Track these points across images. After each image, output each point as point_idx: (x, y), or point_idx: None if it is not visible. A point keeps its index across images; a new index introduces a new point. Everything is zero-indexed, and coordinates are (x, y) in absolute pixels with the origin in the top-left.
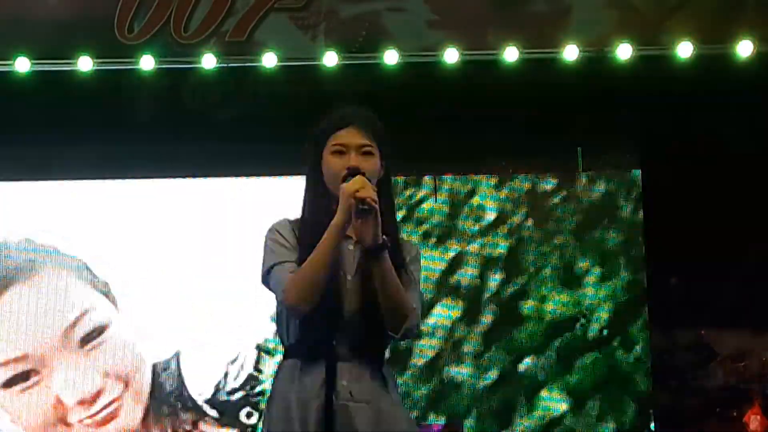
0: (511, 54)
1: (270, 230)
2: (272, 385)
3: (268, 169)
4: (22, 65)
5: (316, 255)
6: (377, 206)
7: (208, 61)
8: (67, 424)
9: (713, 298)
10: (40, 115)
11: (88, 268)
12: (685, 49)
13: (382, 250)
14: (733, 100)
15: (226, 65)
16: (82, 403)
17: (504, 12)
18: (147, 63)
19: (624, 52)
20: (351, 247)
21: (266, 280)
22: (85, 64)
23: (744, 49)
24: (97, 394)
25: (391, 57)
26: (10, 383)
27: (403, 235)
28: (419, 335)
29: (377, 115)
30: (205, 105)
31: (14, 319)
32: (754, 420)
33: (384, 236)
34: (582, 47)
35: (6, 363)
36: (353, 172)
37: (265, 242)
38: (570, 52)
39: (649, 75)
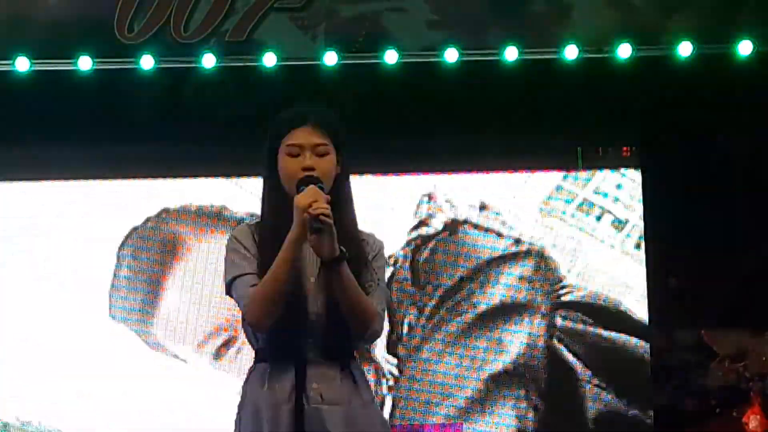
0: (511, 54)
1: (230, 239)
2: (243, 390)
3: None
4: (22, 65)
5: (275, 271)
6: (330, 221)
7: (208, 61)
8: None
9: (713, 298)
10: (40, 115)
11: None
12: (685, 49)
13: (339, 262)
14: (733, 100)
15: (226, 65)
16: None
17: (504, 12)
18: (147, 63)
19: (624, 52)
20: (310, 249)
21: (229, 291)
22: (85, 64)
23: (744, 49)
24: None
25: (391, 57)
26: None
27: (364, 231)
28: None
29: (360, 120)
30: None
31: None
32: (753, 420)
33: (341, 247)
34: (582, 47)
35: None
36: (306, 181)
37: (226, 251)
38: (570, 52)
39: (649, 75)
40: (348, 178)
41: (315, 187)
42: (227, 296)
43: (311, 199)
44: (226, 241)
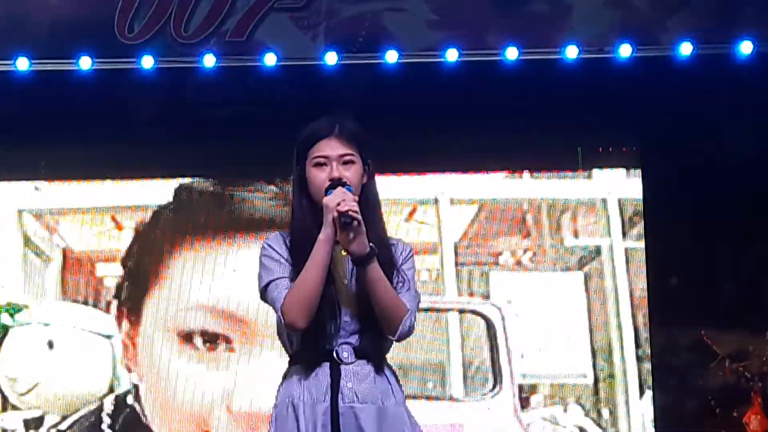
0: (511, 54)
1: (263, 246)
2: (278, 392)
3: (268, 170)
4: (22, 65)
5: (307, 272)
6: (359, 216)
7: (208, 61)
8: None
9: (713, 298)
10: (40, 115)
11: None
12: (685, 49)
13: (369, 258)
14: (733, 100)
15: (226, 65)
16: None
17: (504, 12)
18: (147, 63)
19: (624, 52)
20: (343, 252)
21: (263, 296)
22: (85, 63)
23: (744, 49)
24: None
25: (391, 57)
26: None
27: (394, 235)
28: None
29: (359, 120)
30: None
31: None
32: (754, 420)
33: (371, 244)
34: (582, 47)
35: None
36: (334, 184)
37: (260, 258)
38: (570, 52)
39: (649, 75)
40: (375, 185)
41: (343, 188)
42: (261, 300)
43: (339, 198)
44: (260, 250)
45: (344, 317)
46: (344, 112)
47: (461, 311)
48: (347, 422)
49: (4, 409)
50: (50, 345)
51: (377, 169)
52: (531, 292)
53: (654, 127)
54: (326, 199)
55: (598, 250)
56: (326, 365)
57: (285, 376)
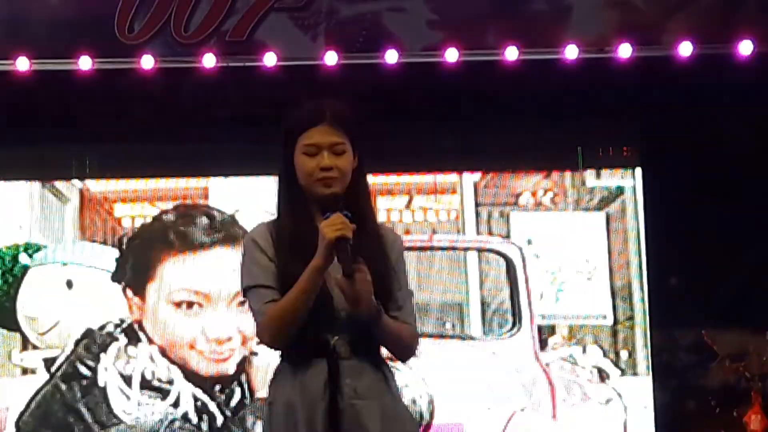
0: (511, 54)
1: (247, 240)
2: (271, 389)
3: (267, 170)
4: (22, 65)
5: (296, 300)
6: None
7: (208, 61)
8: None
9: (713, 298)
10: (40, 115)
11: None
12: (685, 49)
13: (378, 317)
14: (733, 100)
15: (226, 65)
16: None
17: (504, 12)
18: (147, 63)
19: (624, 52)
20: (343, 312)
21: (245, 296)
22: (85, 63)
23: (744, 49)
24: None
25: (391, 57)
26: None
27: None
28: None
29: (351, 106)
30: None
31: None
32: (754, 420)
33: (376, 302)
34: (582, 47)
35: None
36: (333, 206)
37: (243, 251)
38: (570, 52)
39: (649, 75)
40: (365, 173)
41: (341, 216)
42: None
43: (338, 226)
44: (243, 242)
45: (339, 311)
46: (333, 96)
47: (480, 250)
48: (349, 419)
49: (25, 348)
50: (69, 285)
51: (378, 168)
52: (551, 232)
53: (654, 127)
54: (323, 227)
55: (620, 190)
56: (322, 361)
57: (278, 373)
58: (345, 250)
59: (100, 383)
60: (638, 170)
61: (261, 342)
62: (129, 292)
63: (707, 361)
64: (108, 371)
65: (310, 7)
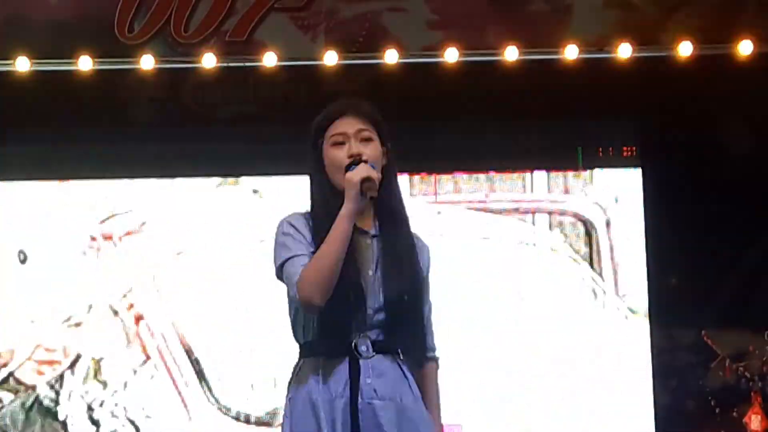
0: (511, 54)
1: (281, 224)
2: (292, 384)
3: (267, 169)
4: (22, 65)
5: (327, 246)
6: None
7: (208, 61)
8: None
9: (713, 298)
10: (40, 115)
11: None
12: (685, 49)
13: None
14: (733, 100)
15: (226, 65)
16: None
17: (504, 12)
18: (147, 63)
19: (624, 52)
20: (368, 241)
21: (280, 274)
22: (85, 64)
23: (744, 49)
24: None
25: (391, 57)
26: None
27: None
28: None
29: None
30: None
31: None
32: (754, 420)
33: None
34: (582, 47)
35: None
36: (356, 160)
37: (277, 236)
38: (570, 52)
39: (649, 75)
40: (395, 170)
41: (366, 164)
42: (278, 280)
43: (364, 173)
44: (277, 227)
45: (368, 309)
46: (333, 96)
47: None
48: (366, 419)
49: None
50: None
51: None
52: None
53: (654, 127)
54: (349, 174)
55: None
56: (344, 359)
57: (299, 369)
58: (372, 188)
59: None
60: (638, 170)
61: (300, 301)
62: None
63: (707, 361)
64: None
65: (310, 7)
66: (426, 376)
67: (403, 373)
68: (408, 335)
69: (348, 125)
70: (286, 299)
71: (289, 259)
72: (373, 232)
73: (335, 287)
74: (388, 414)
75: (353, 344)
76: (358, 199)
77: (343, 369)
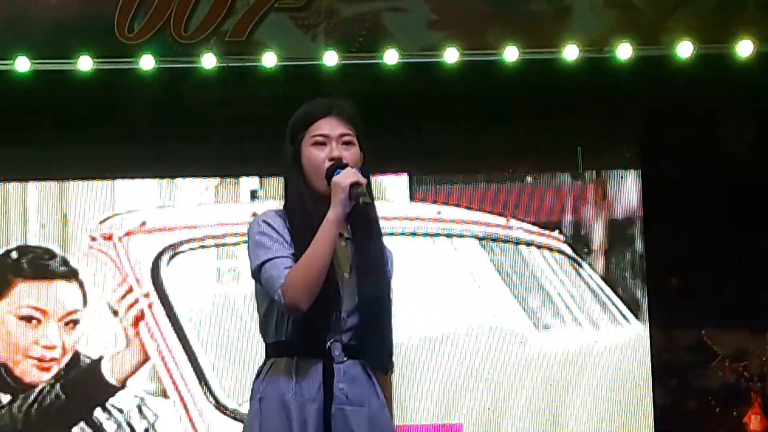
0: (511, 54)
1: (257, 223)
2: (262, 383)
3: (268, 169)
4: (22, 65)
5: (313, 251)
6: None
7: (208, 61)
8: None
9: (713, 298)
10: (40, 115)
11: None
12: (685, 49)
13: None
14: (733, 100)
15: (226, 65)
16: None
17: (504, 12)
18: (147, 63)
19: (624, 52)
20: (343, 243)
21: (258, 275)
22: (85, 64)
23: (744, 49)
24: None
25: (391, 57)
26: None
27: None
28: None
29: (358, 105)
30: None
31: None
32: (754, 420)
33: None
34: (582, 47)
35: None
36: (339, 164)
37: (253, 235)
38: (570, 52)
39: (649, 75)
40: (369, 175)
41: (352, 169)
42: (254, 280)
43: (352, 177)
44: (251, 225)
45: (342, 312)
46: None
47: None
48: (337, 424)
49: None
50: None
51: (378, 168)
52: None
53: (654, 128)
54: (336, 178)
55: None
56: (318, 362)
57: (270, 368)
58: (360, 195)
59: None
60: (638, 170)
61: (287, 303)
62: None
63: (707, 361)
64: None
65: (310, 7)
66: (386, 381)
67: (371, 378)
68: (377, 340)
69: (331, 127)
70: (255, 296)
71: (269, 260)
72: (346, 234)
73: None
74: (359, 420)
75: (327, 347)
76: (347, 203)
77: (316, 372)
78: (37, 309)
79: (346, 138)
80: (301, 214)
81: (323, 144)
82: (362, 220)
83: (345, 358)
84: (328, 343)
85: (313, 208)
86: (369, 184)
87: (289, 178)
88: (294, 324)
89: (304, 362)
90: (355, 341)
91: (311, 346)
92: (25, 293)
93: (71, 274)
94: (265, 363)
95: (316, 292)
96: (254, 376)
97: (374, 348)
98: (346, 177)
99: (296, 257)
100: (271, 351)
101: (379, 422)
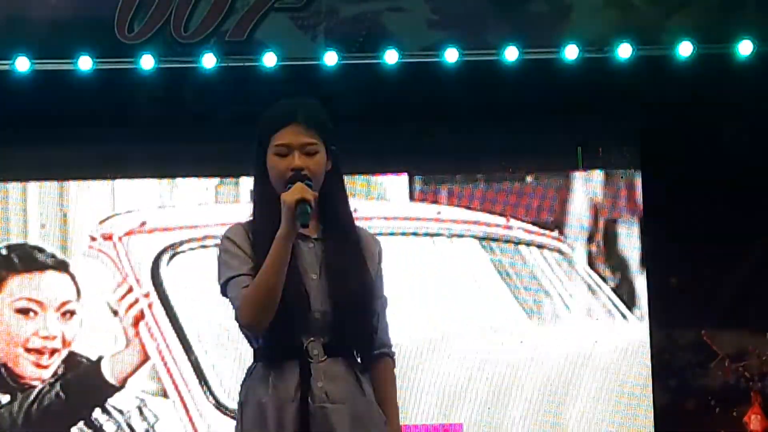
0: (511, 54)
1: (223, 238)
2: (243, 389)
3: None
4: (22, 65)
5: (266, 272)
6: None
7: (208, 61)
8: None
9: (713, 298)
10: (41, 115)
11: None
12: (685, 49)
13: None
14: (733, 100)
15: (226, 65)
16: None
17: (504, 12)
18: (147, 63)
19: (624, 52)
20: (310, 245)
21: (224, 293)
22: (85, 63)
23: (744, 49)
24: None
25: (391, 57)
26: None
27: (361, 227)
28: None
29: (322, 104)
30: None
31: None
32: (754, 420)
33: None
34: (582, 47)
35: None
36: (298, 177)
37: (219, 252)
38: (570, 52)
39: (649, 75)
40: (340, 173)
41: (302, 184)
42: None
43: (298, 195)
44: (218, 242)
45: (314, 313)
46: (305, 95)
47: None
48: (317, 423)
49: None
50: None
51: (378, 168)
52: None
53: (654, 127)
54: (283, 196)
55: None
56: (295, 363)
57: (250, 373)
58: (305, 213)
59: None
60: (638, 170)
61: (242, 326)
62: None
63: (707, 361)
64: None
65: (310, 7)
66: (380, 374)
67: (357, 376)
68: (358, 336)
69: (293, 136)
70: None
71: (230, 279)
72: (315, 236)
73: (282, 292)
74: (340, 418)
75: (305, 348)
76: (292, 223)
77: (293, 373)
78: (32, 300)
79: (309, 148)
80: (265, 222)
81: (285, 154)
82: (331, 220)
83: (325, 357)
84: (306, 343)
85: (275, 216)
86: (338, 182)
87: (255, 183)
88: (269, 329)
89: (281, 365)
90: (334, 340)
91: (287, 348)
92: (19, 286)
93: (61, 265)
94: (249, 368)
95: (270, 312)
96: None
97: (357, 345)
98: (293, 194)
99: (256, 269)
100: (254, 356)
101: (363, 420)
